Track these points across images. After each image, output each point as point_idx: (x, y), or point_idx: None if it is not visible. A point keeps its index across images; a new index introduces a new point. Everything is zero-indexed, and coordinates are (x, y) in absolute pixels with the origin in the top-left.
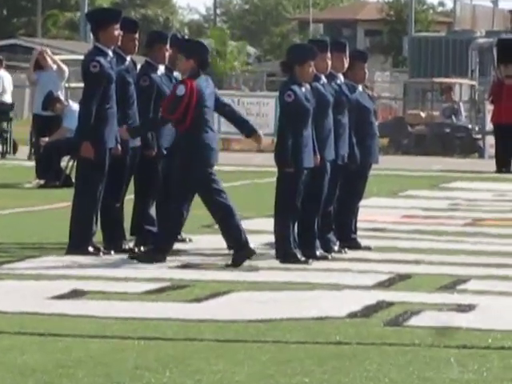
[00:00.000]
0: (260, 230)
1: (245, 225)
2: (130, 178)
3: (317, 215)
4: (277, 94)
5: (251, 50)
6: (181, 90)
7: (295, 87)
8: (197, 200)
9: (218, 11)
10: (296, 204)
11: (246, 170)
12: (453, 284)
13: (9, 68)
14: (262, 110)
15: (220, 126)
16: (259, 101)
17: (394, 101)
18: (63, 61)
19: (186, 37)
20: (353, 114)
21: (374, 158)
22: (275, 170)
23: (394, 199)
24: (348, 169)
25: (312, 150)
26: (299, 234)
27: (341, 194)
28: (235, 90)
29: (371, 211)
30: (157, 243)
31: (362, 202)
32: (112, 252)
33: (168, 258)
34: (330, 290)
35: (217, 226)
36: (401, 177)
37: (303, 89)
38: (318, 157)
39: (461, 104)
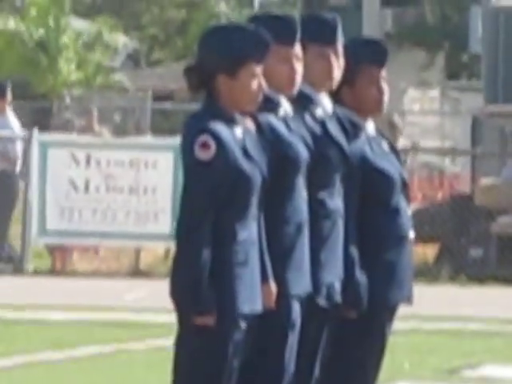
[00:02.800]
0: None
1: None
2: None
3: None
4: (174, 141)
5: (121, 39)
6: None
7: (217, 126)
8: None
9: None
10: None
11: None
12: None
13: None
14: (147, 177)
15: None
16: (135, 157)
17: (449, 158)
18: None
19: None
20: (354, 192)
21: (403, 294)
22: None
23: None
24: (343, 317)
25: (259, 276)
26: None
27: (328, 371)
28: (76, 133)
29: None
30: None
31: None
32: None
33: None
34: None
35: None
36: (467, 335)
37: (237, 130)
38: (273, 289)
39: None
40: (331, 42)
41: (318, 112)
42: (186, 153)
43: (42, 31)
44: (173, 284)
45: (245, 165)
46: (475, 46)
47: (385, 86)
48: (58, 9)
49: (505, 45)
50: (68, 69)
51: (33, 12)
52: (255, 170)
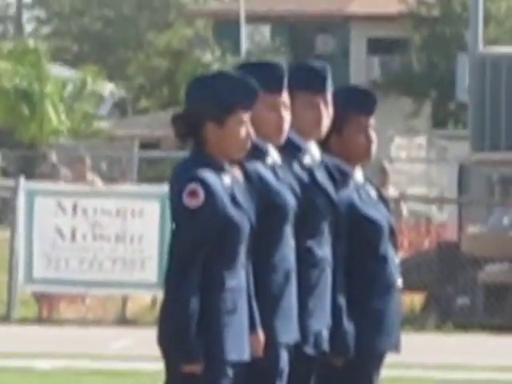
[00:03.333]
0: None
1: None
2: None
3: None
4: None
5: (107, 87)
6: None
7: (206, 174)
8: None
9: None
10: None
11: None
12: None
13: None
14: (133, 225)
15: None
16: (122, 206)
17: (436, 205)
18: None
19: None
20: (341, 240)
21: (391, 342)
22: None
23: None
24: (330, 365)
25: (247, 324)
26: None
27: None
28: (62, 182)
29: None
30: None
31: None
32: None
33: None
34: None
35: None
36: (453, 383)
37: (226, 178)
38: (261, 337)
39: None
40: (321, 90)
41: (306, 160)
42: (175, 200)
43: (23, 80)
44: (160, 331)
45: (233, 212)
46: (462, 95)
47: (373, 134)
48: (35, 57)
49: (491, 93)
50: (53, 118)
51: (7, 63)
52: (243, 218)
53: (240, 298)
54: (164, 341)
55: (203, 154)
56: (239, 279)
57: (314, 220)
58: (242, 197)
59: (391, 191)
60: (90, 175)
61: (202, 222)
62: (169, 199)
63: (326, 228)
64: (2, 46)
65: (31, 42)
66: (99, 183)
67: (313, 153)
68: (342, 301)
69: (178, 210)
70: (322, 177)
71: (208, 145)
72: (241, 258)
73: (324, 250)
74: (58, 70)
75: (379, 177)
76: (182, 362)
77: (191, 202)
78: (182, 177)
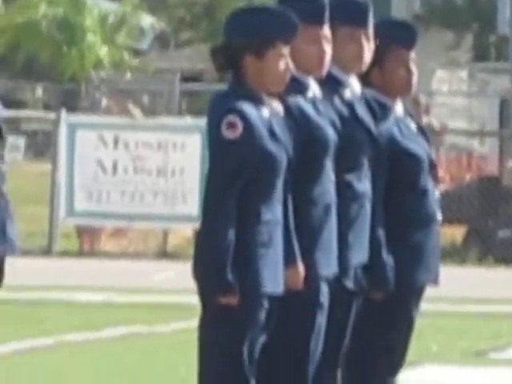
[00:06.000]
0: None
1: None
2: None
3: None
4: (202, 122)
5: (147, 20)
6: None
7: (244, 106)
8: None
9: None
10: None
11: None
12: None
13: None
14: (175, 159)
15: None
16: (163, 139)
17: (477, 139)
18: None
19: None
20: (381, 174)
21: (430, 275)
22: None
23: (475, 369)
24: (369, 299)
25: (281, 257)
26: None
27: (355, 353)
28: (104, 115)
29: None
30: None
31: (407, 375)
32: None
33: None
34: None
35: None
36: (494, 317)
37: (264, 111)
38: (301, 271)
39: None
40: (362, 24)
41: (347, 94)
42: (213, 132)
43: (65, 14)
44: (196, 263)
45: (271, 145)
46: (503, 27)
47: (414, 68)
48: None
49: None
50: (94, 51)
51: None
52: (281, 151)
53: (276, 232)
54: (200, 273)
55: (242, 86)
56: (275, 212)
57: (353, 154)
58: (280, 130)
59: (434, 122)
60: (132, 108)
61: (239, 153)
62: (206, 130)
63: (365, 162)
64: None
65: None
66: (140, 116)
67: (353, 87)
68: (381, 235)
69: (215, 142)
70: (362, 111)
71: (247, 77)
72: (277, 192)
73: (364, 184)
74: (98, 3)
75: (413, 108)
76: (217, 294)
77: (229, 134)
78: (220, 108)
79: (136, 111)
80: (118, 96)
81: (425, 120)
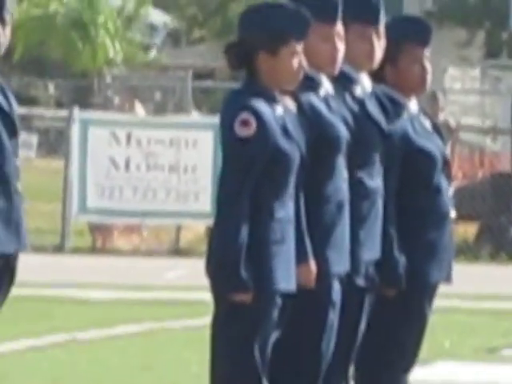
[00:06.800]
0: None
1: None
2: None
3: None
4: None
5: (158, 15)
6: None
7: (258, 104)
8: None
9: None
10: None
11: None
12: None
13: None
14: (187, 156)
15: None
16: (176, 136)
17: (489, 136)
18: None
19: None
20: (393, 171)
21: (443, 273)
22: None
23: (488, 366)
24: (382, 296)
25: (294, 255)
26: None
27: (368, 350)
28: (114, 111)
29: None
30: None
31: (419, 372)
32: None
33: None
34: None
35: None
36: (507, 314)
37: (278, 108)
38: (313, 268)
39: None
40: (374, 22)
41: (357, 91)
42: (226, 129)
43: (77, 10)
44: (209, 261)
45: (284, 143)
46: None
47: (428, 65)
48: None
49: None
50: (107, 47)
51: None
52: (294, 149)
53: (288, 229)
54: (213, 270)
55: (255, 83)
56: (288, 210)
57: (364, 151)
58: (293, 127)
59: (450, 120)
60: (137, 106)
61: (252, 151)
62: (219, 128)
63: (377, 159)
64: None
65: None
66: (142, 114)
67: (364, 84)
68: (392, 232)
69: (229, 139)
70: (372, 108)
71: (260, 75)
72: (290, 189)
73: (375, 181)
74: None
75: (431, 104)
76: (231, 291)
77: (243, 131)
78: (233, 106)
79: (140, 109)
80: (129, 93)
81: (441, 117)
